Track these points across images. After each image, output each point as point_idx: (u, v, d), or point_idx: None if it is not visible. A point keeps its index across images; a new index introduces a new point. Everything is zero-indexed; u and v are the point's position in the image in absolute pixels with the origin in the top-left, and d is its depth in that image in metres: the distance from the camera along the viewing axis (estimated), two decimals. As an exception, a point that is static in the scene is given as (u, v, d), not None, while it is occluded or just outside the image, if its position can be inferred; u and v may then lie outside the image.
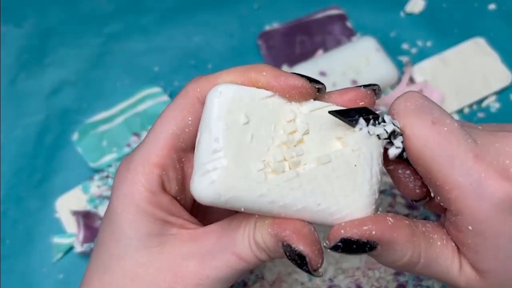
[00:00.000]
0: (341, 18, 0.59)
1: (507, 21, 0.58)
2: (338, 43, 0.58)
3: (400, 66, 0.56)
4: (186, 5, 0.62)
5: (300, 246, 0.29)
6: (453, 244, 0.32)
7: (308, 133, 0.31)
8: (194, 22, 0.61)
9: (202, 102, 0.32)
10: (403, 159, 0.32)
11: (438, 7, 0.60)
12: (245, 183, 0.29)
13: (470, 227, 0.29)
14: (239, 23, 0.60)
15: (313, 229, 0.31)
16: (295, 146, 0.31)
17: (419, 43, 0.58)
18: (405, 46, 0.58)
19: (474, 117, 0.54)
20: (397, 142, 0.31)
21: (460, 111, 0.54)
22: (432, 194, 0.32)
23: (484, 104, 0.55)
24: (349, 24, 0.59)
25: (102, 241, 0.34)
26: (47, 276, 0.50)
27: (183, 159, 0.34)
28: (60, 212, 0.52)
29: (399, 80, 0.55)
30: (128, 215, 0.32)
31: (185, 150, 0.34)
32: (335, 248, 0.30)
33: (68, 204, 0.52)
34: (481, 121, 0.54)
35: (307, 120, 0.31)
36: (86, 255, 0.50)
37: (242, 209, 0.30)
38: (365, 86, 0.32)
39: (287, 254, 0.30)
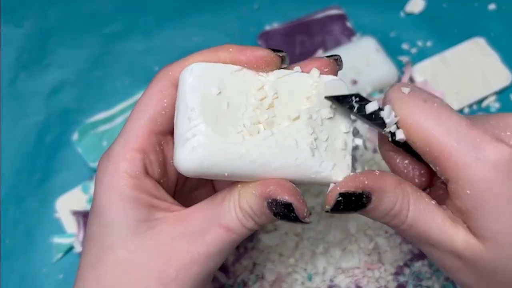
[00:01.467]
0: (341, 18, 0.59)
1: (507, 21, 0.58)
2: (338, 43, 0.58)
3: (400, 66, 0.56)
4: (186, 5, 0.62)
5: (285, 196, 0.31)
6: (448, 211, 0.32)
7: (277, 97, 0.32)
8: (194, 22, 0.61)
9: (175, 85, 0.33)
10: (399, 146, 0.33)
11: (438, 7, 0.60)
12: (225, 145, 0.31)
13: (468, 191, 0.30)
14: (239, 23, 0.60)
15: (294, 185, 0.32)
16: (267, 109, 0.32)
17: (419, 43, 0.58)
18: (405, 46, 0.58)
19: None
20: (393, 121, 0.32)
21: (460, 111, 0.54)
22: (436, 172, 0.32)
23: (484, 104, 0.55)
24: (349, 24, 0.59)
25: (91, 235, 0.34)
26: (47, 276, 0.50)
27: (162, 142, 0.34)
28: (60, 212, 0.52)
29: (399, 80, 0.55)
30: (113, 204, 0.33)
31: (164, 133, 0.34)
32: (336, 206, 0.31)
33: (68, 204, 0.52)
34: (481, 121, 0.54)
35: (275, 86, 0.33)
36: (86, 255, 0.50)
37: (226, 174, 0.31)
38: (328, 56, 0.35)
39: (273, 209, 0.31)
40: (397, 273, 0.46)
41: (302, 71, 0.34)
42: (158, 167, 0.34)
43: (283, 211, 0.31)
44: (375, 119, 0.32)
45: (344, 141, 0.33)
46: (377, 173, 0.32)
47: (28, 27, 0.61)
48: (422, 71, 0.55)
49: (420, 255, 0.46)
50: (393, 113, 0.32)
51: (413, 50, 0.58)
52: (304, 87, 0.33)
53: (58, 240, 0.51)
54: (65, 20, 0.61)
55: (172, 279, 0.32)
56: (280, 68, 0.33)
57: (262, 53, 0.32)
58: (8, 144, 0.56)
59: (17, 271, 0.50)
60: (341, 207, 0.31)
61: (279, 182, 0.31)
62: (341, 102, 0.32)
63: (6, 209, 0.53)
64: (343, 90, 0.33)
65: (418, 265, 0.46)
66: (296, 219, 0.31)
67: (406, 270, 0.46)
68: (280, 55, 0.33)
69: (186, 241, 0.32)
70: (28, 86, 0.58)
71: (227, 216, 0.32)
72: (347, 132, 0.34)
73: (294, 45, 0.58)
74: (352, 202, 0.31)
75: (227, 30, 0.60)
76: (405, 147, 0.33)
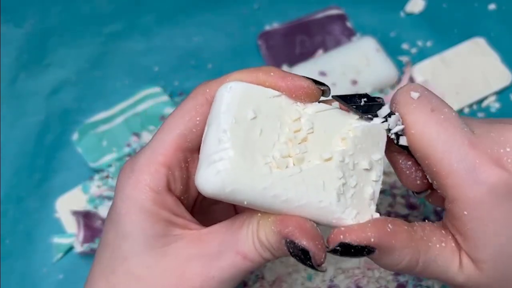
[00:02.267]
0: (341, 18, 0.59)
1: (507, 21, 0.58)
2: (338, 43, 0.58)
3: (400, 66, 0.56)
4: (186, 5, 0.62)
5: (303, 242, 0.30)
6: (453, 245, 0.32)
7: (312, 132, 0.31)
8: (194, 22, 0.61)
9: (211, 103, 0.32)
10: (403, 148, 0.33)
11: (438, 7, 0.60)
12: (250, 175, 0.30)
13: (465, 212, 0.30)
14: (239, 23, 0.60)
15: (315, 225, 0.31)
16: (299, 143, 0.31)
17: (419, 43, 0.58)
18: (405, 46, 0.58)
19: (474, 117, 0.54)
20: (398, 128, 0.32)
21: (460, 111, 0.54)
22: (433, 185, 0.32)
23: (484, 104, 0.55)
24: (349, 24, 0.59)
25: (106, 243, 0.34)
26: (47, 276, 0.50)
27: (188, 159, 0.34)
28: (60, 212, 0.52)
29: (399, 80, 0.55)
30: (132, 216, 0.32)
31: (192, 150, 0.34)
32: (333, 251, 0.31)
33: (68, 204, 0.52)
34: (481, 121, 0.54)
35: (312, 120, 0.31)
36: (86, 255, 0.50)
37: (245, 203, 0.30)
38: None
39: (291, 251, 0.30)
40: (397, 273, 0.46)
41: (341, 108, 0.33)
42: (181, 183, 0.34)
43: (299, 255, 0.30)
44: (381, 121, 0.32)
45: (372, 189, 0.32)
46: (389, 228, 0.31)
47: (28, 27, 0.61)
48: (422, 71, 0.55)
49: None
50: (400, 119, 0.32)
51: (413, 50, 0.58)
52: (342, 126, 0.32)
53: (58, 240, 0.51)
54: (65, 20, 0.61)
55: None
56: (319, 100, 0.32)
57: (303, 83, 0.31)
58: (8, 144, 0.56)
59: (17, 271, 0.50)
60: (338, 254, 0.31)
61: (299, 222, 0.30)
62: (349, 102, 0.32)
63: (6, 209, 0.53)
64: (382, 138, 0.32)
65: (418, 265, 0.46)
66: (311, 266, 0.30)
67: (406, 270, 0.46)
68: (322, 88, 0.32)
69: (201, 263, 0.32)
70: (28, 86, 0.58)
71: (244, 244, 0.32)
72: (376, 181, 0.32)
73: (294, 45, 0.58)
74: (351, 252, 0.30)
75: (227, 30, 0.60)
76: (408, 149, 0.33)
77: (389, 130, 0.32)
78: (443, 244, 0.32)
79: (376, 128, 0.32)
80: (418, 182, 0.34)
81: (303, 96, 0.31)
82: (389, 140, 0.33)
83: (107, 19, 0.61)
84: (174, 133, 0.33)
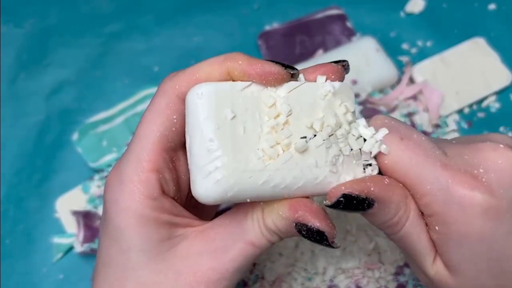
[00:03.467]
0: (341, 18, 0.59)
1: (507, 21, 0.58)
2: (338, 43, 0.58)
3: (400, 66, 0.56)
4: (186, 5, 0.62)
5: (317, 223, 0.31)
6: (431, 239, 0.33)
7: (291, 113, 0.32)
8: (194, 22, 0.61)
9: (182, 99, 0.32)
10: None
11: (438, 7, 0.60)
12: (247, 174, 0.30)
13: (437, 228, 0.32)
14: (239, 23, 0.60)
15: (318, 203, 0.32)
16: (282, 129, 0.31)
17: (419, 43, 0.58)
18: (405, 46, 0.58)
19: (474, 117, 0.54)
20: (373, 161, 0.33)
21: (460, 111, 0.54)
22: None
23: (484, 104, 0.55)
24: (349, 24, 0.59)
25: (109, 258, 0.33)
26: (47, 276, 0.50)
27: (174, 158, 0.34)
28: (60, 212, 0.52)
29: (399, 80, 0.55)
30: (134, 228, 0.32)
31: (175, 149, 0.34)
32: (336, 204, 0.31)
33: (68, 204, 0.52)
34: (481, 121, 0.54)
35: (287, 102, 0.32)
36: (86, 255, 0.50)
37: (248, 200, 0.31)
38: (335, 62, 0.34)
39: (303, 233, 0.31)
40: (397, 273, 0.46)
41: (306, 79, 0.33)
42: (173, 184, 0.34)
43: (314, 237, 0.31)
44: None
45: (359, 147, 0.33)
46: (386, 182, 0.32)
47: (28, 27, 0.61)
48: (422, 71, 0.55)
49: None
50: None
51: (413, 50, 0.58)
52: (315, 98, 0.32)
53: (58, 240, 0.51)
54: (65, 20, 0.61)
55: None
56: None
57: (272, 69, 0.31)
58: (8, 144, 0.56)
59: (17, 271, 0.50)
60: (341, 206, 0.31)
61: (306, 205, 0.31)
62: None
63: (6, 209, 0.53)
64: (350, 95, 0.33)
65: (418, 265, 0.46)
66: (327, 245, 0.31)
67: (406, 270, 0.46)
68: (292, 72, 0.32)
69: (211, 258, 0.32)
70: (28, 86, 0.58)
71: (251, 233, 0.32)
72: (359, 137, 0.33)
73: (294, 45, 0.58)
74: (353, 204, 0.31)
75: (227, 30, 0.60)
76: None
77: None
78: (425, 226, 0.33)
79: (344, 87, 0.33)
80: None
81: (273, 81, 0.31)
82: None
83: (107, 19, 0.61)
84: (154, 136, 0.33)
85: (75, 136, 0.55)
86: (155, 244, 0.32)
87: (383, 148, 0.32)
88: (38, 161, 0.55)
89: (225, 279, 0.33)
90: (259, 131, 0.31)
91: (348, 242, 0.46)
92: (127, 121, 0.55)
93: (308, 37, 0.58)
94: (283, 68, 0.32)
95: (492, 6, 0.59)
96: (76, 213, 0.51)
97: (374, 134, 0.33)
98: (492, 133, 0.34)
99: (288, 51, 0.58)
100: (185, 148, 0.32)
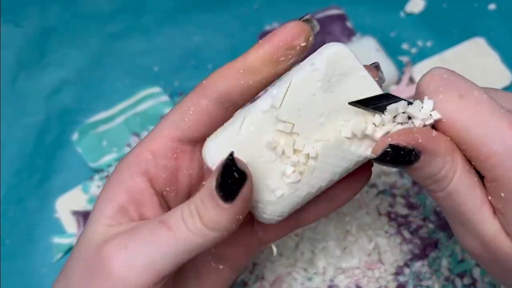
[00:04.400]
0: (341, 18, 0.59)
1: (507, 21, 0.58)
2: (338, 43, 0.58)
3: (400, 66, 0.56)
4: (186, 5, 0.62)
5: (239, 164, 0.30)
6: (486, 198, 0.31)
7: (293, 125, 0.31)
8: (194, 22, 0.61)
9: (206, 93, 0.33)
10: None
11: (438, 7, 0.60)
12: (294, 196, 0.32)
13: (502, 194, 0.29)
14: (239, 23, 0.60)
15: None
16: (295, 149, 0.32)
17: (419, 43, 0.58)
18: (405, 46, 0.58)
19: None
20: (428, 121, 0.31)
21: (460, 111, 0.54)
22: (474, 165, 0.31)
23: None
24: (349, 24, 0.59)
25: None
26: (47, 276, 0.50)
27: (178, 150, 0.34)
28: (60, 212, 0.52)
29: (399, 80, 0.55)
30: (103, 191, 0.34)
31: (182, 140, 0.34)
32: (383, 155, 0.30)
33: (68, 204, 0.52)
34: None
35: (285, 117, 0.31)
36: (86, 255, 0.50)
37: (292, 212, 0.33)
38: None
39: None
40: (397, 273, 0.46)
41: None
42: (163, 173, 0.34)
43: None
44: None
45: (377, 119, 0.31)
46: (433, 134, 0.30)
47: (28, 27, 0.61)
48: (422, 71, 0.55)
49: (420, 255, 0.46)
50: (429, 112, 0.30)
51: (413, 50, 0.58)
52: (308, 89, 0.31)
53: (58, 240, 0.51)
54: (65, 20, 0.61)
55: None
56: (311, 35, 0.32)
57: (289, 26, 0.32)
58: (8, 144, 0.56)
59: (17, 271, 0.50)
60: (388, 158, 0.30)
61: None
62: (372, 106, 0.31)
63: (6, 209, 0.53)
64: (351, 59, 0.31)
65: (418, 265, 0.46)
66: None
67: (406, 270, 0.46)
68: (306, 18, 0.33)
69: (124, 237, 0.31)
70: (28, 86, 0.58)
71: (171, 216, 0.31)
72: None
73: (294, 45, 0.58)
74: (400, 156, 0.29)
75: (227, 30, 0.60)
76: None
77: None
78: (478, 182, 0.31)
79: (342, 51, 0.31)
80: None
81: (298, 36, 0.32)
82: None
83: (107, 19, 0.61)
84: (166, 122, 0.34)
85: (75, 136, 0.55)
86: (109, 209, 0.33)
87: (436, 116, 0.30)
88: (38, 161, 0.55)
89: (128, 259, 0.30)
90: (279, 160, 0.32)
91: (348, 242, 0.46)
92: (127, 121, 0.55)
93: (308, 37, 0.58)
94: (302, 22, 0.32)
95: (492, 6, 0.59)
96: (76, 213, 0.51)
97: (421, 109, 0.31)
98: None
99: (288, 51, 0.58)
100: (193, 144, 0.34)
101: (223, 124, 0.33)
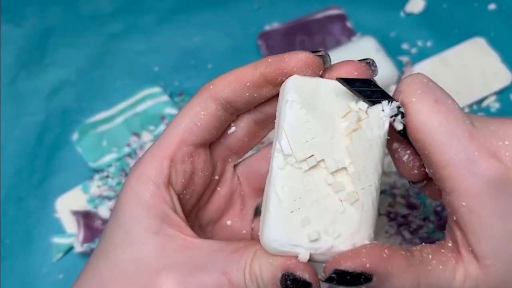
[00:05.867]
0: (341, 18, 0.59)
1: (507, 21, 0.58)
2: (338, 43, 0.58)
3: (400, 66, 0.56)
4: (186, 5, 0.62)
5: (306, 274, 0.30)
6: (453, 263, 0.31)
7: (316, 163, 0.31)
8: (194, 22, 0.61)
9: (215, 98, 0.33)
10: (403, 136, 0.33)
11: (438, 7, 0.60)
12: (365, 211, 0.32)
13: (463, 203, 0.30)
14: (239, 23, 0.60)
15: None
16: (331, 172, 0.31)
17: (419, 43, 0.58)
18: (405, 46, 0.58)
19: (473, 113, 0.54)
20: (399, 118, 0.32)
21: (460, 111, 0.54)
22: (431, 176, 0.32)
23: (484, 104, 0.55)
24: (349, 24, 0.59)
25: (105, 230, 0.34)
26: (47, 276, 0.50)
27: (193, 154, 0.34)
28: (60, 212, 0.52)
29: (399, 80, 0.55)
30: (130, 207, 0.33)
31: (196, 144, 0.34)
32: (329, 279, 0.30)
33: (68, 204, 0.52)
34: (481, 121, 0.54)
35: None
36: (86, 255, 0.50)
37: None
38: (360, 60, 0.34)
39: (288, 283, 0.30)
40: (397, 273, 0.46)
41: (330, 77, 0.33)
42: (182, 177, 0.34)
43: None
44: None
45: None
46: (385, 254, 0.30)
47: (28, 27, 0.61)
48: (422, 71, 0.54)
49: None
50: (402, 108, 0.32)
51: (413, 50, 0.58)
52: (300, 121, 0.32)
53: (58, 240, 0.51)
54: (65, 20, 0.61)
55: None
56: (321, 70, 0.32)
57: (301, 56, 0.32)
58: (8, 144, 0.56)
59: (17, 271, 0.50)
60: (334, 282, 0.30)
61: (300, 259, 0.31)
62: (352, 85, 0.32)
63: (6, 209, 0.53)
64: (306, 78, 0.32)
65: (418, 265, 0.46)
66: None
67: (406, 270, 0.46)
68: (320, 54, 0.32)
69: (181, 272, 0.31)
70: (28, 86, 0.58)
71: (233, 268, 0.31)
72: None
73: (294, 45, 0.58)
74: (348, 280, 0.30)
75: (227, 30, 0.60)
76: (407, 137, 0.33)
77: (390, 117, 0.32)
78: (444, 264, 0.31)
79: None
80: (416, 171, 0.34)
81: (304, 68, 0.32)
82: (390, 127, 0.33)
83: (107, 19, 0.61)
84: (179, 127, 0.34)
85: (75, 136, 0.55)
86: (141, 232, 0.32)
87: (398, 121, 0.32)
88: (38, 161, 0.55)
89: None
90: (328, 195, 0.31)
91: (348, 242, 0.46)
92: (127, 121, 0.55)
93: (308, 37, 0.58)
94: (311, 53, 0.32)
95: (492, 6, 0.59)
96: (76, 213, 0.51)
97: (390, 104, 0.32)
98: None
99: (288, 51, 0.57)
100: (205, 146, 0.35)
101: (229, 127, 0.35)
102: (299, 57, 0.32)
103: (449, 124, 0.31)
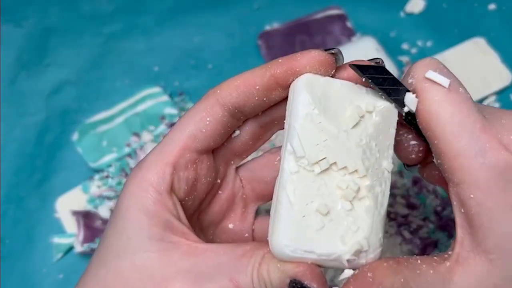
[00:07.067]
0: (341, 18, 0.59)
1: (507, 21, 0.58)
2: (338, 43, 0.58)
3: (400, 66, 0.56)
4: (186, 5, 0.62)
5: (314, 284, 0.29)
6: (448, 264, 0.31)
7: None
8: (194, 22, 0.61)
9: (221, 103, 0.32)
10: (409, 123, 0.32)
11: (438, 7, 0.60)
12: (379, 211, 0.31)
13: (471, 195, 0.29)
14: (239, 23, 0.60)
15: (323, 270, 0.31)
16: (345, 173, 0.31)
17: (419, 43, 0.58)
18: (405, 46, 0.58)
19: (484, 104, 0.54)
20: (411, 105, 0.31)
21: (460, 111, 0.54)
22: (437, 164, 0.32)
23: (484, 104, 0.55)
24: (349, 24, 0.59)
25: (105, 236, 0.33)
26: (47, 276, 0.50)
27: (197, 161, 0.33)
28: (60, 212, 0.52)
29: (399, 80, 0.55)
30: (132, 214, 0.32)
31: (200, 151, 0.33)
32: None
33: (68, 204, 0.52)
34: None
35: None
36: (86, 255, 0.50)
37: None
38: (326, 50, 0.32)
39: None
40: (397, 273, 0.46)
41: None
42: (185, 184, 0.33)
43: None
44: (395, 95, 0.31)
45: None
46: (370, 280, 0.29)
47: (28, 27, 0.61)
48: (422, 71, 0.55)
49: (420, 255, 0.46)
50: (415, 97, 0.31)
51: (413, 50, 0.58)
52: (312, 122, 0.31)
53: (58, 240, 0.51)
54: (65, 20, 0.61)
55: None
56: (334, 68, 0.32)
57: (314, 53, 0.31)
58: (8, 144, 0.56)
59: (17, 271, 0.50)
60: None
61: (310, 266, 0.30)
62: (365, 73, 0.31)
63: (6, 209, 0.53)
64: (318, 77, 0.31)
65: (418, 265, 0.46)
66: None
67: (406, 270, 0.46)
68: (333, 51, 0.32)
69: (189, 279, 0.31)
70: (28, 86, 0.58)
71: (241, 273, 0.30)
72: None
73: (294, 45, 0.58)
74: None
75: (227, 30, 0.60)
76: (413, 124, 0.32)
77: (402, 105, 0.32)
78: (436, 267, 0.31)
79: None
80: (413, 156, 0.33)
81: (317, 66, 0.31)
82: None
83: (107, 19, 0.61)
84: (183, 132, 0.33)
85: (75, 136, 0.55)
86: (144, 240, 0.31)
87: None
88: (38, 161, 0.55)
89: None
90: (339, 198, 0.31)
91: (348, 242, 0.46)
92: (127, 121, 0.55)
93: (308, 37, 0.58)
94: (324, 51, 0.31)
95: (492, 6, 0.59)
96: (76, 213, 0.51)
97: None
98: None
99: (288, 51, 0.57)
100: (209, 152, 0.34)
101: (234, 131, 0.34)
102: (312, 55, 0.31)
103: (461, 114, 0.30)
